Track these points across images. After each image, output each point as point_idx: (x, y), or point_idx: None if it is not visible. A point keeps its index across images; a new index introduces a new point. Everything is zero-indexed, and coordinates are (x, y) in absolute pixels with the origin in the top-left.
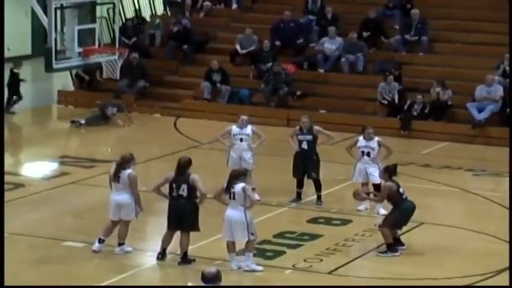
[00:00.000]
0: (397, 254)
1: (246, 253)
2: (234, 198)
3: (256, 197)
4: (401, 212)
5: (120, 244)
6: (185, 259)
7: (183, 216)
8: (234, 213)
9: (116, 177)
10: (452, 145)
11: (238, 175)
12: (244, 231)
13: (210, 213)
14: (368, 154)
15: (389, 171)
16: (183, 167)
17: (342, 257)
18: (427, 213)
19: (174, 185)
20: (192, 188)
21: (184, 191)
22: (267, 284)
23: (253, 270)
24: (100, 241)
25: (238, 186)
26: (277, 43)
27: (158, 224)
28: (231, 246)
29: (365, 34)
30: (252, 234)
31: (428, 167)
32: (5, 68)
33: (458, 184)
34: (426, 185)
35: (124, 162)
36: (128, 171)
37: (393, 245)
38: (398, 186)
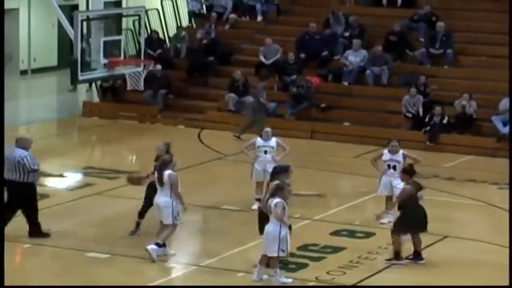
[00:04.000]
0: (402, 262)
1: (273, 270)
2: (271, 212)
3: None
4: (411, 216)
5: (157, 243)
6: None
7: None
8: (270, 227)
9: (159, 180)
10: (477, 158)
11: (276, 190)
12: (275, 246)
13: (234, 225)
14: (394, 167)
15: (410, 173)
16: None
17: (365, 269)
18: (451, 226)
19: None
20: None
21: None
22: None
23: (284, 284)
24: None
25: (273, 202)
26: (302, 55)
27: (181, 236)
28: (263, 258)
29: (389, 47)
30: (283, 251)
31: (452, 180)
32: None
33: (482, 198)
34: (450, 199)
35: (164, 165)
36: (168, 171)
37: (400, 255)
38: (418, 189)
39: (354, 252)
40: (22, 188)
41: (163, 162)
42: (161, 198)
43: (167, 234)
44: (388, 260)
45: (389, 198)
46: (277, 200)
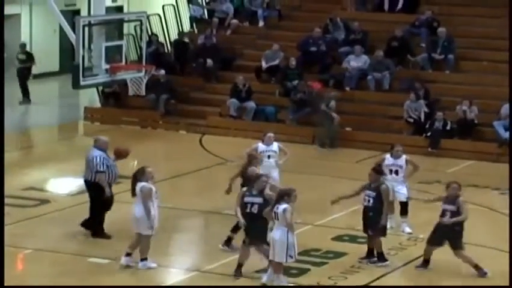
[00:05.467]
0: (387, 263)
1: (275, 274)
2: (277, 219)
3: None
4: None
5: (142, 259)
6: None
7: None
8: (276, 233)
9: (132, 190)
10: (479, 164)
11: (282, 195)
12: (283, 252)
13: None
14: (397, 172)
15: (380, 172)
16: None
17: (367, 275)
18: None
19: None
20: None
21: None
22: None
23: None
24: (127, 255)
25: (281, 208)
26: (304, 60)
27: (183, 241)
28: (271, 264)
29: (391, 52)
30: (291, 257)
31: None
32: None
33: (484, 203)
34: None
35: (138, 175)
36: (141, 184)
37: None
38: None
39: (356, 257)
40: (91, 188)
41: (134, 174)
42: (137, 209)
43: (146, 246)
44: (372, 262)
45: (390, 203)
46: (284, 205)
